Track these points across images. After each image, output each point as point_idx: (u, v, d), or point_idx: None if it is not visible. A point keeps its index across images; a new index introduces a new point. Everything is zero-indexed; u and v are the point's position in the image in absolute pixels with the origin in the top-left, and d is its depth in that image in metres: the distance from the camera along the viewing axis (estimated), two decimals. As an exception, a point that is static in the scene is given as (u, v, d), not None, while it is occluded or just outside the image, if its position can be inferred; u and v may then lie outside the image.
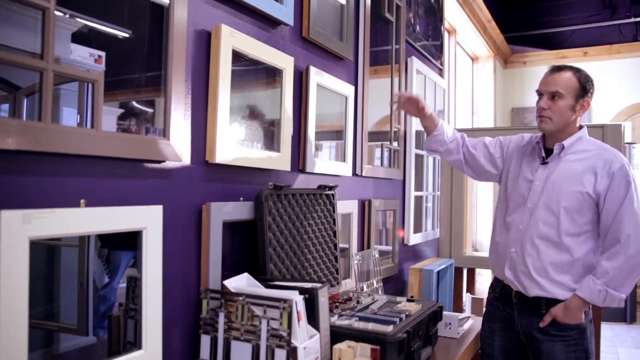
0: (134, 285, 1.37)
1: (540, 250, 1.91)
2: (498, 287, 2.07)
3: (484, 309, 2.17)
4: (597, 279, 1.82)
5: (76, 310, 1.23)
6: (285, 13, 1.84)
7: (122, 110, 1.29)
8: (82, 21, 1.18)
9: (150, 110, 1.37)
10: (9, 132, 0.98)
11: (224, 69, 1.54)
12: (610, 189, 1.83)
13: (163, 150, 1.34)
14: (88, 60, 1.18)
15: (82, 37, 1.17)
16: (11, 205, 1.02)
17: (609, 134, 2.94)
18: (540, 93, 1.95)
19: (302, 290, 1.45)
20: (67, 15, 1.15)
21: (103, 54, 1.20)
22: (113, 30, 1.26)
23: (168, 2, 1.37)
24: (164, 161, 1.37)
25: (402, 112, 3.00)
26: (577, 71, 1.92)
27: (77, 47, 1.16)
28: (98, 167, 1.20)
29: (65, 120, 1.15)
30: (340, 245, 2.11)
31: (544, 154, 1.98)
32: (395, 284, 3.01)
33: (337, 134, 2.37)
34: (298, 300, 1.38)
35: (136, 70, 1.36)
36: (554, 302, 1.89)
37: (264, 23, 1.79)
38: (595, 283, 1.82)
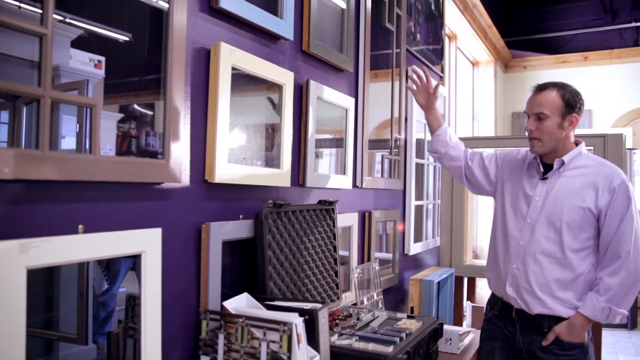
0: (133, 304, 1.37)
1: (544, 267, 1.89)
2: (497, 304, 2.05)
3: (482, 325, 2.14)
4: (600, 296, 1.82)
5: (75, 319, 1.22)
6: (285, 28, 1.83)
7: (121, 115, 1.28)
8: (83, 25, 1.17)
9: (150, 112, 1.36)
10: (6, 161, 0.97)
11: (223, 87, 1.53)
12: (611, 205, 1.83)
13: (162, 172, 1.33)
14: (88, 65, 1.17)
15: (83, 41, 1.16)
16: (8, 234, 1.01)
17: (609, 143, 2.92)
18: (527, 114, 1.95)
19: (302, 312, 1.43)
20: (67, 18, 1.13)
21: (103, 58, 1.19)
22: (113, 34, 1.25)
23: (167, 19, 1.36)
24: (163, 183, 1.36)
25: (403, 119, 3.00)
26: (560, 88, 1.91)
27: (76, 53, 1.15)
28: (96, 191, 1.19)
29: (64, 129, 1.15)
30: (341, 252, 2.10)
31: (542, 169, 1.97)
32: (395, 294, 3.00)
33: (337, 142, 2.36)
34: (298, 323, 1.37)
35: (136, 74, 1.35)
36: (557, 319, 1.88)
37: (264, 38, 1.78)
38: (599, 300, 1.81)
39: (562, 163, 1.92)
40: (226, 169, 1.54)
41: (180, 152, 1.38)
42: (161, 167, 1.32)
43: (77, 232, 1.14)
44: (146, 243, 1.29)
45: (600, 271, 1.86)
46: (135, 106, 1.33)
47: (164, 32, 1.36)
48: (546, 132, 1.88)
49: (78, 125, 1.18)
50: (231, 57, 1.56)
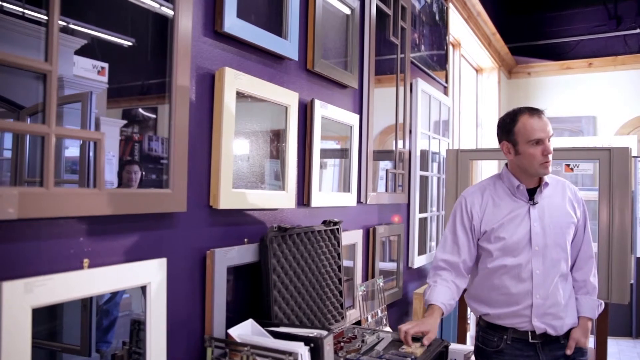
0: (138, 329, 1.36)
1: (564, 288, 1.94)
2: (506, 333, 1.97)
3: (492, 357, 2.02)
4: (592, 296, 1.97)
5: (79, 330, 1.22)
6: (289, 48, 1.83)
7: (125, 122, 1.28)
8: (85, 30, 1.16)
9: (152, 116, 1.36)
10: (10, 201, 0.96)
11: (227, 113, 1.52)
12: (582, 213, 2.01)
13: (167, 202, 1.32)
14: (91, 72, 1.17)
15: (86, 47, 1.16)
16: (13, 272, 1.00)
17: (615, 157, 2.90)
18: (540, 140, 1.85)
19: (307, 340, 1.43)
20: (70, 24, 1.13)
21: (106, 65, 1.19)
22: (116, 40, 1.24)
23: (171, 46, 1.35)
24: (168, 212, 1.36)
25: (407, 130, 2.98)
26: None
27: (79, 60, 1.15)
28: (101, 225, 1.19)
29: (68, 141, 1.14)
30: (345, 263, 2.08)
31: (527, 195, 1.95)
32: (400, 308, 2.99)
33: (342, 152, 2.35)
34: (303, 353, 1.36)
35: (139, 78, 1.34)
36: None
37: (269, 60, 1.78)
38: (593, 300, 1.97)
39: (547, 185, 1.96)
40: (231, 195, 1.53)
41: (184, 181, 1.37)
42: (166, 197, 1.31)
43: (82, 266, 1.13)
44: (151, 274, 1.28)
45: (578, 272, 2.00)
46: (139, 110, 1.33)
47: (168, 57, 1.35)
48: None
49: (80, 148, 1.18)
50: (236, 82, 1.55)
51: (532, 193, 1.95)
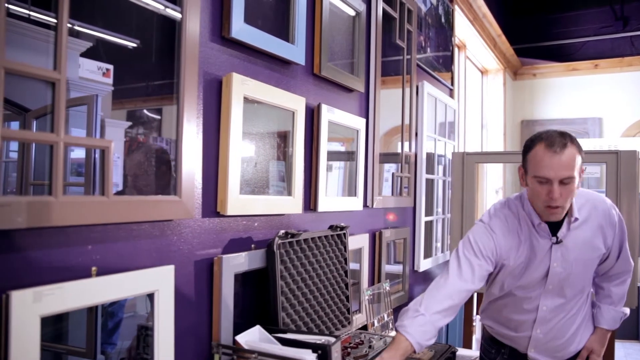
0: (145, 335, 1.36)
1: (574, 321, 1.83)
2: (505, 348, 1.94)
3: None
4: (615, 307, 1.87)
5: (84, 332, 1.21)
6: (296, 53, 1.82)
7: (129, 123, 1.27)
8: (91, 32, 1.16)
9: (157, 117, 1.35)
10: (19, 210, 0.96)
11: (235, 119, 1.52)
12: (616, 236, 1.79)
13: (174, 209, 1.32)
14: (96, 73, 1.17)
15: (91, 49, 1.16)
16: (21, 281, 1.00)
17: (622, 160, 2.88)
18: (547, 180, 1.58)
19: (314, 347, 1.42)
20: (75, 26, 1.13)
21: (111, 67, 1.19)
22: (121, 41, 1.24)
23: (179, 51, 1.35)
24: (176, 219, 1.35)
25: (413, 133, 2.97)
26: (573, 140, 1.61)
27: (85, 61, 1.15)
28: (109, 232, 1.18)
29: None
30: (351, 266, 2.07)
31: (550, 233, 1.72)
32: (405, 312, 2.98)
33: (348, 155, 2.34)
34: (311, 360, 1.36)
35: (144, 79, 1.33)
36: None
37: (276, 65, 1.77)
38: (617, 312, 1.87)
39: (575, 220, 1.71)
40: (238, 201, 1.53)
41: (192, 188, 1.37)
42: (174, 204, 1.31)
43: (90, 274, 1.13)
44: (159, 281, 1.28)
45: (605, 282, 1.89)
46: (143, 111, 1.32)
47: (175, 63, 1.35)
48: (570, 196, 1.60)
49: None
50: (243, 88, 1.55)
51: (557, 226, 1.71)
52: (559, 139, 1.57)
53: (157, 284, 1.27)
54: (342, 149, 2.35)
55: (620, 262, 1.83)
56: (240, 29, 1.54)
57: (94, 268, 1.14)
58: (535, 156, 1.59)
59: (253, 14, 1.62)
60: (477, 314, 3.76)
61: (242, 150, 1.56)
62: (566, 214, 1.70)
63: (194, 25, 1.38)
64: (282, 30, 1.79)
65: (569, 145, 1.56)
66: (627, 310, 1.91)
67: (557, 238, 1.70)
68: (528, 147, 1.65)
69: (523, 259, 1.74)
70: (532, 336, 1.84)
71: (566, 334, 1.83)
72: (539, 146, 1.59)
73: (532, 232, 1.73)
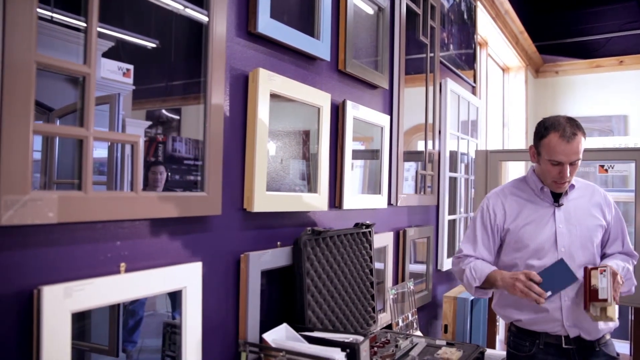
0: (171, 332, 1.36)
1: None
2: (539, 338, 1.92)
3: None
4: (619, 262, 1.90)
5: (107, 330, 1.21)
6: (322, 49, 1.80)
7: (149, 123, 1.27)
8: (111, 33, 1.15)
9: (176, 117, 1.34)
10: (51, 205, 0.95)
11: (262, 114, 1.50)
12: (614, 218, 1.97)
13: (202, 205, 1.30)
14: (117, 73, 1.16)
15: (111, 49, 1.16)
16: (52, 277, 0.99)
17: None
18: (560, 163, 1.84)
19: (343, 346, 1.40)
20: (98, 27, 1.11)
21: (131, 67, 1.19)
22: (141, 42, 1.23)
23: (206, 47, 1.34)
24: (203, 216, 1.34)
25: (437, 131, 2.93)
26: (578, 127, 1.86)
27: (106, 62, 1.14)
28: (137, 228, 1.17)
29: (94, 142, 1.12)
30: (375, 266, 2.04)
31: (552, 197, 1.95)
32: (429, 312, 2.94)
33: (372, 153, 2.31)
34: (340, 358, 1.33)
35: (163, 79, 1.33)
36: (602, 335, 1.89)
37: (301, 60, 1.75)
38: (618, 265, 1.87)
39: (573, 187, 1.96)
40: (265, 198, 1.51)
41: (219, 184, 1.36)
42: (202, 200, 1.30)
43: (118, 271, 1.12)
44: (187, 278, 1.27)
45: (616, 255, 1.97)
46: (162, 111, 1.31)
47: (202, 61, 1.34)
48: (575, 172, 1.89)
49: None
50: (270, 83, 1.53)
51: (558, 196, 1.95)
52: (570, 128, 1.82)
53: (185, 281, 1.26)
54: (362, 148, 2.32)
55: (626, 248, 1.97)
56: (266, 24, 1.52)
57: (122, 264, 1.13)
58: (549, 143, 1.84)
59: (279, 10, 1.61)
60: (501, 318, 3.71)
61: (268, 147, 1.54)
62: None
63: (221, 20, 1.36)
64: (307, 26, 1.78)
65: (577, 133, 1.83)
66: (634, 281, 1.92)
67: (559, 202, 1.94)
68: (541, 134, 1.88)
69: (527, 217, 1.94)
70: (562, 306, 1.87)
71: None
72: (553, 135, 1.83)
73: (536, 198, 1.97)
